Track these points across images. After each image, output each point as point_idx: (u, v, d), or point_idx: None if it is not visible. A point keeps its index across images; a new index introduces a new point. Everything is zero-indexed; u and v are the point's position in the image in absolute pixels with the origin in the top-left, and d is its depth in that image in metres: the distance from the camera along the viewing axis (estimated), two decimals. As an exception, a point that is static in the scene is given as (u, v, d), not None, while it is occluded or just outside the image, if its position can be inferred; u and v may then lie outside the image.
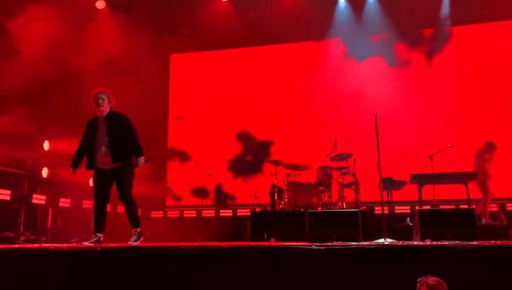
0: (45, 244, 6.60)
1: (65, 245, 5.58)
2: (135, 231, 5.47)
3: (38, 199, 8.92)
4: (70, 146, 9.38)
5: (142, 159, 5.42)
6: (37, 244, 6.52)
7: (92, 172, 5.48)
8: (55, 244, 6.06)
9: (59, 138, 9.43)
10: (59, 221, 9.32)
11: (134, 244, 5.30)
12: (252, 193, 9.32)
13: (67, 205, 9.53)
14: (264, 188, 9.23)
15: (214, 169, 11.47)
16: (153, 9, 10.36)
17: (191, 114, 11.89)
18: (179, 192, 11.53)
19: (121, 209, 5.76)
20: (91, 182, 10.18)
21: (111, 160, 5.27)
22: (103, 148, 5.28)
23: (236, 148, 11.41)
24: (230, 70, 11.79)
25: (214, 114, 11.69)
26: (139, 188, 10.73)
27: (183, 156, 11.81)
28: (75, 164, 5.49)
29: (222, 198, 11.22)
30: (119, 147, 5.29)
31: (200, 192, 10.40)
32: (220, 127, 11.64)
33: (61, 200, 9.44)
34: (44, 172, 9.36)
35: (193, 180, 11.29)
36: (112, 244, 5.42)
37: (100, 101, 5.37)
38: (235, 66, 11.77)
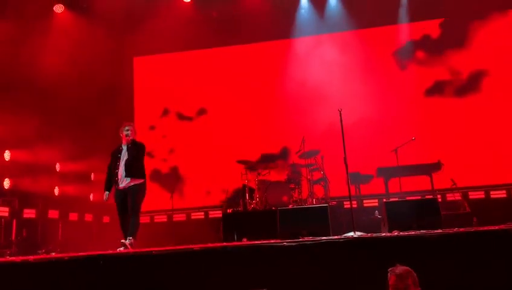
0: (10, 257, 6.37)
1: (32, 257, 5.42)
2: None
3: (1, 210, 8.58)
4: (32, 155, 9.19)
5: None
6: (1, 258, 6.29)
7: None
8: (21, 257, 5.87)
9: (20, 148, 9.13)
10: (24, 233, 9.00)
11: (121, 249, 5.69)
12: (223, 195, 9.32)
13: (32, 216, 9.22)
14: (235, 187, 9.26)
15: (185, 170, 11.40)
16: (113, 11, 10.16)
17: (157, 116, 11.75)
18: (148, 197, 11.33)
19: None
20: (56, 191, 9.96)
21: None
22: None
23: (204, 149, 11.32)
24: (195, 71, 11.69)
25: (180, 116, 11.59)
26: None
27: (149, 157, 11.65)
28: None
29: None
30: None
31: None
32: (187, 128, 11.55)
33: (26, 211, 9.11)
34: (6, 183, 9.03)
35: (163, 183, 11.19)
36: (80, 253, 5.30)
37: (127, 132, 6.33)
38: (200, 67, 11.69)
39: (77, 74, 9.89)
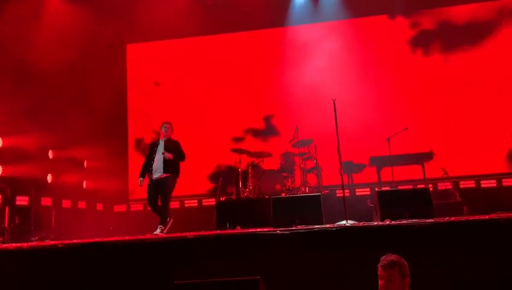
0: (4, 245, 6.37)
1: (26, 244, 5.43)
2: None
3: (-7, 198, 8.53)
4: (24, 142, 9.13)
5: None
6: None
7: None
8: (15, 244, 5.88)
9: (12, 134, 9.07)
10: (17, 220, 8.97)
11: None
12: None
13: (25, 203, 9.18)
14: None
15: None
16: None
17: (149, 104, 11.68)
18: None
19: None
20: (49, 178, 9.93)
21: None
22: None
23: (198, 138, 11.30)
24: (188, 59, 11.61)
25: (173, 104, 11.51)
26: (100, 183, 10.61)
27: (143, 147, 11.60)
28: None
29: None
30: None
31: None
32: (180, 116, 11.48)
33: (18, 198, 9.06)
34: (-2, 170, 8.97)
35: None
36: (74, 241, 5.32)
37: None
38: (194, 55, 11.61)
39: (69, 61, 9.76)
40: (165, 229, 6.66)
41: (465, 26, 10.70)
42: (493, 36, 10.53)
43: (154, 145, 7.04)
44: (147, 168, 6.90)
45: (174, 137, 7.19)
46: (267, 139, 10.85)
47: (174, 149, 6.95)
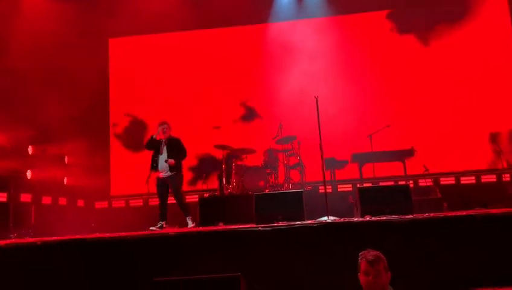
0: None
1: (3, 241, 5.33)
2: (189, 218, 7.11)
3: (-31, 195, 8.36)
4: (2, 138, 8.95)
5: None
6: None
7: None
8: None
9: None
10: (-5, 217, 8.82)
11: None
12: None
13: (3, 199, 9.02)
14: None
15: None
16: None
17: (132, 100, 11.55)
18: (123, 181, 11.18)
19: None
20: (29, 174, 9.76)
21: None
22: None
23: (181, 134, 11.22)
24: (171, 54, 11.51)
25: (156, 100, 11.39)
26: (82, 180, 10.49)
27: (126, 143, 11.49)
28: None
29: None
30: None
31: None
32: (163, 113, 11.38)
33: (-4, 194, 8.90)
34: (-25, 166, 8.78)
35: (136, 169, 11.05)
36: (54, 238, 5.25)
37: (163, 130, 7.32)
38: (178, 49, 11.51)
39: (48, 55, 9.61)
40: (191, 217, 7.11)
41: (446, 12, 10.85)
42: (472, 23, 10.70)
43: (157, 146, 7.40)
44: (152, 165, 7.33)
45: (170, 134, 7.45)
46: (249, 136, 10.81)
47: (176, 148, 7.29)
